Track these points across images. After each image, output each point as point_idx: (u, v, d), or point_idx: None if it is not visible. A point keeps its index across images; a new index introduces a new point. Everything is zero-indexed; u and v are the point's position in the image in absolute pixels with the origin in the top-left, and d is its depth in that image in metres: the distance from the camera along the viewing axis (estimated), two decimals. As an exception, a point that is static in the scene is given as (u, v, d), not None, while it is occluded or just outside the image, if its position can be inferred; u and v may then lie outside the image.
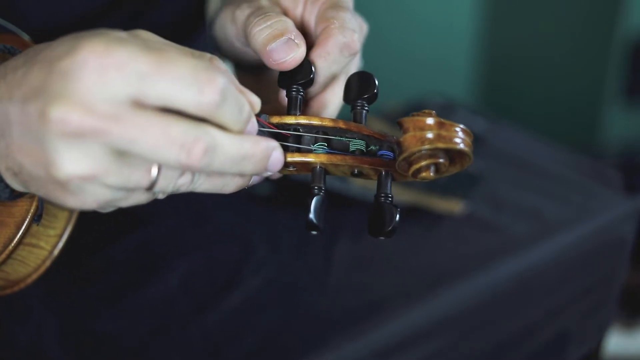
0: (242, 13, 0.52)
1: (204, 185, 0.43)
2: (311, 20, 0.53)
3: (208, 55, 0.43)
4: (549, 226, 0.91)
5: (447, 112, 1.14)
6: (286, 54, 0.49)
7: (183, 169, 0.41)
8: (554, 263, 0.89)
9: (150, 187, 0.40)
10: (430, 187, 0.92)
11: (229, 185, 0.44)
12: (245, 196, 0.90)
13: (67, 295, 0.74)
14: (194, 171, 0.41)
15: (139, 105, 0.37)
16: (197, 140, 0.38)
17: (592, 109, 1.98)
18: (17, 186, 0.43)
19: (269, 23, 0.50)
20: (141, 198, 0.42)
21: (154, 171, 0.40)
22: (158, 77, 0.37)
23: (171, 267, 0.78)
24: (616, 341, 1.56)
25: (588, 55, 1.95)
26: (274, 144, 0.44)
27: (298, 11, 0.54)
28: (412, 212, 0.90)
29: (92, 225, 0.77)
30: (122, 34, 0.39)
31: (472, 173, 0.98)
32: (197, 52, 0.42)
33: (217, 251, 0.81)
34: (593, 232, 0.94)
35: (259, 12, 0.51)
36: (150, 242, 0.80)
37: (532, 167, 1.04)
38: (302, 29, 0.54)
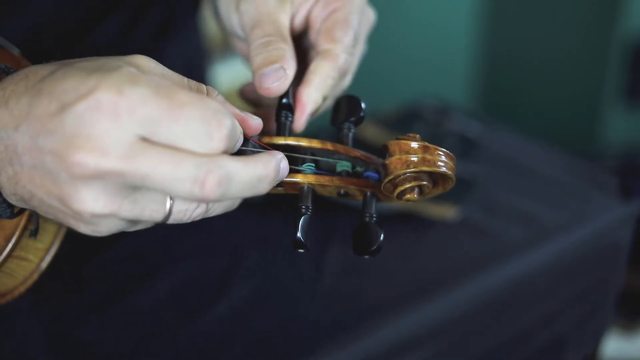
0: (248, 8, 0.54)
1: (218, 210, 0.44)
2: (317, 21, 0.55)
3: (204, 87, 0.45)
4: (544, 231, 0.91)
5: (442, 116, 1.13)
6: (273, 81, 0.51)
7: (199, 201, 0.42)
8: (549, 268, 0.89)
9: (164, 220, 0.41)
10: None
11: (238, 202, 0.46)
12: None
13: (54, 304, 0.73)
14: (209, 202, 0.42)
15: (149, 141, 0.38)
16: (209, 173, 0.38)
17: (592, 111, 1.97)
18: (21, 205, 0.43)
19: (268, 49, 0.51)
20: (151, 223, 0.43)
21: (168, 204, 0.41)
22: (169, 122, 0.38)
23: (161, 275, 0.78)
24: (615, 345, 1.55)
25: (587, 57, 1.94)
26: (280, 156, 0.44)
27: (308, 5, 0.55)
28: (404, 218, 0.90)
29: (81, 234, 0.77)
30: (131, 69, 0.40)
31: (465, 178, 0.97)
32: (194, 84, 0.44)
33: (207, 259, 0.80)
34: (588, 237, 0.93)
35: (260, 31, 0.52)
36: (140, 249, 0.80)
37: (527, 171, 1.03)
38: (307, 23, 0.55)
